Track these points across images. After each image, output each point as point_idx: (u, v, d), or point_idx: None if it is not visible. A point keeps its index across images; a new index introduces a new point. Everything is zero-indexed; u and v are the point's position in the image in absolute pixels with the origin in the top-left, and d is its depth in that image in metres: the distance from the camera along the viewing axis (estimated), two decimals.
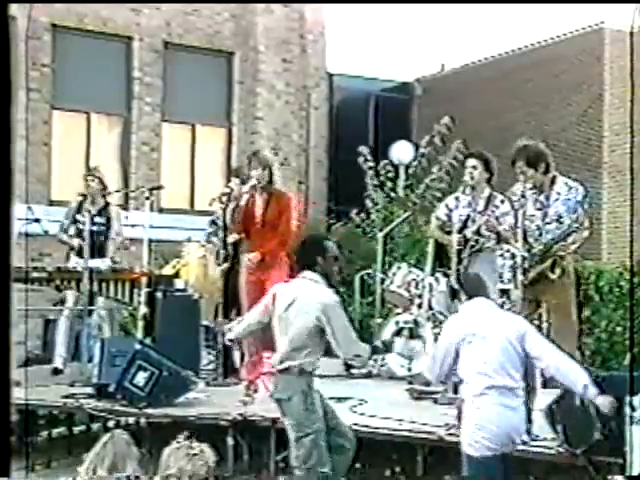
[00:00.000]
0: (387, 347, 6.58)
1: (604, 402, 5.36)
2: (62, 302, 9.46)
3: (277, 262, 8.07)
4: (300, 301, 5.87)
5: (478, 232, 7.68)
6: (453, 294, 5.74)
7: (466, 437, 5.49)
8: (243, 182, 8.80)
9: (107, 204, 9.54)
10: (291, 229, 8.17)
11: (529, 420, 5.74)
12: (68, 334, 9.33)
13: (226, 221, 8.78)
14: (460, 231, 7.71)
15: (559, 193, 7.12)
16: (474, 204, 7.80)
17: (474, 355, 5.47)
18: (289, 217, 8.10)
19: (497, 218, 7.63)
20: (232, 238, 8.55)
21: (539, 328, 7.68)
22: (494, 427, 5.40)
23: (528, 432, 5.74)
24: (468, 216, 7.78)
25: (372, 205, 13.66)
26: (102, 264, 9.17)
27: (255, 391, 7.76)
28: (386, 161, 13.96)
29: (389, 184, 13.73)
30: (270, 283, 7.84)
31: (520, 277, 7.08)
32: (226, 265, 8.64)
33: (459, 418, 6.43)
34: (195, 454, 4.55)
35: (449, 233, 7.84)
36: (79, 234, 9.15)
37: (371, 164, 13.90)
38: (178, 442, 4.63)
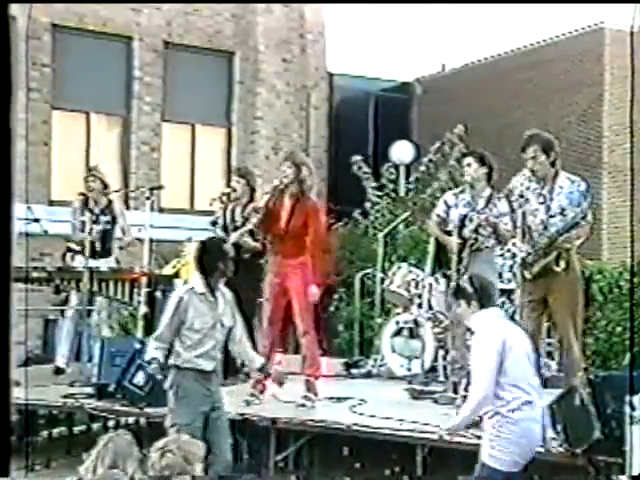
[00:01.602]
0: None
1: None
2: (65, 302, 9.47)
3: (301, 267, 7.78)
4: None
5: (477, 231, 7.68)
6: (461, 295, 5.59)
7: (494, 450, 5.39)
8: (248, 183, 8.76)
9: (110, 202, 9.54)
10: (319, 238, 7.90)
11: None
12: (71, 334, 9.33)
13: (226, 221, 8.76)
14: (459, 230, 7.70)
15: (562, 187, 7.12)
16: (473, 203, 7.80)
17: (513, 368, 5.40)
18: (316, 226, 7.80)
19: (496, 217, 7.63)
20: (233, 238, 8.48)
21: (553, 325, 7.73)
22: (526, 442, 5.37)
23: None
24: (466, 215, 7.78)
25: (372, 206, 13.67)
26: (106, 264, 9.17)
27: (262, 392, 7.76)
28: (388, 164, 13.95)
29: (390, 186, 13.74)
30: (298, 286, 7.80)
31: (527, 275, 7.07)
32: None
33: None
34: (173, 450, 4.57)
35: (448, 232, 7.84)
36: (85, 235, 9.15)
37: (367, 170, 13.87)
38: (163, 441, 4.67)
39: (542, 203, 7.13)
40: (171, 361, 6.26)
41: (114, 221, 9.43)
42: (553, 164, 7.16)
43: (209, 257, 6.37)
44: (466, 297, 5.60)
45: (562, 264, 6.93)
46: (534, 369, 5.55)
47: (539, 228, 7.09)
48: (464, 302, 5.62)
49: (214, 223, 8.84)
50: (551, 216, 7.07)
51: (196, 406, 6.21)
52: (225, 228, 8.72)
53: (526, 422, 5.38)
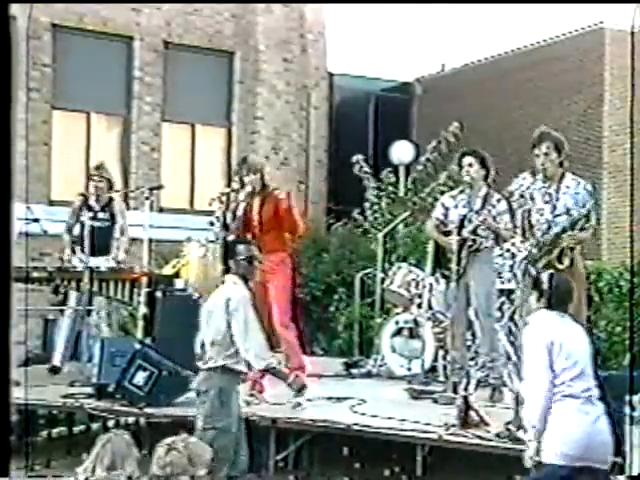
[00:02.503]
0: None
1: None
2: (64, 302, 9.46)
3: (281, 263, 8.01)
4: (211, 301, 6.34)
5: (475, 231, 7.68)
6: (537, 289, 5.51)
7: (541, 444, 5.30)
8: (262, 177, 8.79)
9: (111, 200, 9.53)
10: (293, 227, 8.10)
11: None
12: (68, 333, 9.32)
13: (226, 221, 8.79)
14: (457, 231, 7.71)
15: (568, 187, 7.12)
16: (471, 203, 7.80)
17: (562, 365, 5.33)
18: (286, 217, 8.00)
19: (494, 217, 7.63)
20: (230, 237, 8.57)
21: None
22: (575, 435, 5.26)
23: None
24: (465, 215, 7.78)
25: (371, 206, 13.66)
26: (105, 263, 9.16)
27: (260, 392, 7.76)
28: (388, 169, 13.94)
29: (390, 188, 13.74)
30: (275, 284, 7.87)
31: (532, 271, 7.05)
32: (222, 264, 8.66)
33: (463, 419, 6.47)
34: (178, 449, 4.58)
35: (446, 233, 7.85)
36: (83, 233, 9.15)
37: (367, 170, 13.87)
38: (172, 438, 4.68)
39: (548, 202, 7.13)
40: (213, 364, 6.15)
41: (113, 219, 9.42)
42: (561, 164, 7.16)
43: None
44: (540, 291, 5.53)
45: (565, 261, 6.92)
46: (591, 368, 5.39)
47: (544, 227, 7.09)
48: (536, 295, 5.55)
49: (213, 223, 8.88)
50: (557, 215, 7.08)
51: (236, 410, 6.17)
52: (226, 228, 8.76)
53: (571, 415, 5.26)
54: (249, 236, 8.11)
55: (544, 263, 6.94)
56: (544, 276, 5.61)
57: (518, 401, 6.56)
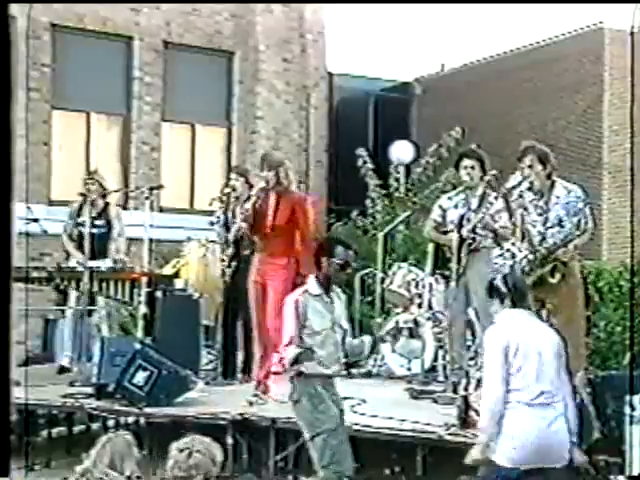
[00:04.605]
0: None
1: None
2: (65, 301, 9.48)
3: (285, 266, 7.87)
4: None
5: (474, 231, 7.68)
6: (496, 294, 5.56)
7: (493, 444, 5.38)
8: (247, 181, 8.79)
9: (107, 205, 9.55)
10: (306, 232, 7.91)
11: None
12: (74, 333, 9.33)
13: (228, 220, 8.79)
14: (457, 230, 7.71)
15: (558, 197, 7.13)
16: (468, 203, 7.81)
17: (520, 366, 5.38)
18: (301, 221, 7.85)
19: (492, 216, 7.64)
20: (232, 237, 8.57)
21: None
22: (525, 439, 5.30)
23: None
24: (463, 215, 7.78)
25: (372, 205, 13.66)
26: (103, 264, 9.17)
27: (265, 392, 7.74)
28: (395, 164, 13.95)
29: (394, 184, 13.74)
30: (275, 287, 7.79)
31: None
32: (233, 264, 8.62)
33: (463, 419, 6.47)
34: (200, 450, 4.57)
35: (445, 233, 7.85)
36: (81, 237, 9.16)
37: (370, 165, 13.89)
38: (185, 439, 4.66)
39: (540, 215, 7.14)
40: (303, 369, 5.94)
41: (109, 225, 9.43)
42: (549, 176, 7.16)
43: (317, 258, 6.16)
44: (500, 296, 5.59)
45: (557, 276, 6.92)
46: (553, 368, 5.42)
47: (537, 239, 7.10)
48: (498, 301, 5.62)
49: (213, 223, 8.89)
50: (549, 227, 7.08)
51: (333, 410, 5.99)
52: (226, 226, 8.77)
53: (524, 419, 5.32)
54: (259, 234, 7.99)
55: (537, 276, 6.93)
56: (498, 281, 5.65)
57: None
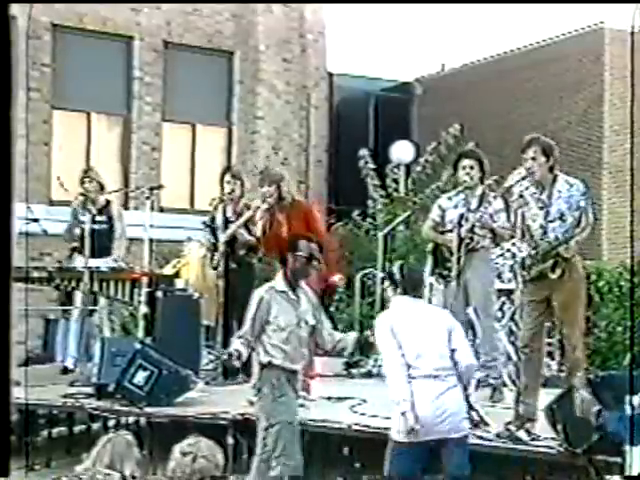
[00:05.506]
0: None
1: None
2: (65, 302, 9.47)
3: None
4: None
5: (472, 230, 7.68)
6: (389, 281, 6.00)
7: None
8: (242, 183, 8.92)
9: (108, 202, 9.55)
10: (321, 237, 7.94)
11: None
12: (79, 334, 9.33)
13: (221, 219, 8.87)
14: (456, 230, 7.70)
15: (560, 191, 7.10)
16: (468, 203, 7.80)
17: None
18: (315, 230, 7.78)
19: (491, 215, 7.63)
20: (229, 231, 8.66)
21: (553, 325, 7.72)
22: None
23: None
24: (462, 215, 7.78)
25: (372, 205, 13.66)
26: (105, 264, 9.17)
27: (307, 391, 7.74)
28: (393, 164, 13.96)
29: (393, 185, 13.75)
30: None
31: (525, 276, 7.05)
32: (222, 264, 8.70)
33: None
34: (206, 456, 4.56)
35: (444, 233, 7.84)
36: (83, 234, 9.16)
37: (372, 166, 13.90)
38: (189, 440, 4.65)
39: (541, 208, 7.11)
40: (263, 359, 6.18)
41: (111, 222, 9.43)
42: (552, 169, 7.14)
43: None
44: (393, 283, 5.99)
45: (558, 272, 6.89)
46: (442, 345, 5.77)
47: (538, 233, 7.07)
48: (391, 288, 6.01)
49: (205, 224, 9.00)
50: (550, 221, 7.06)
51: (293, 404, 6.18)
52: (221, 226, 8.82)
53: (415, 393, 5.58)
54: (274, 254, 7.90)
55: (537, 271, 6.92)
56: (395, 268, 6.08)
57: (519, 401, 6.57)
